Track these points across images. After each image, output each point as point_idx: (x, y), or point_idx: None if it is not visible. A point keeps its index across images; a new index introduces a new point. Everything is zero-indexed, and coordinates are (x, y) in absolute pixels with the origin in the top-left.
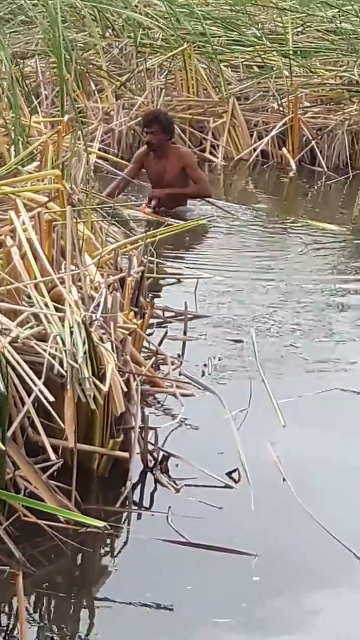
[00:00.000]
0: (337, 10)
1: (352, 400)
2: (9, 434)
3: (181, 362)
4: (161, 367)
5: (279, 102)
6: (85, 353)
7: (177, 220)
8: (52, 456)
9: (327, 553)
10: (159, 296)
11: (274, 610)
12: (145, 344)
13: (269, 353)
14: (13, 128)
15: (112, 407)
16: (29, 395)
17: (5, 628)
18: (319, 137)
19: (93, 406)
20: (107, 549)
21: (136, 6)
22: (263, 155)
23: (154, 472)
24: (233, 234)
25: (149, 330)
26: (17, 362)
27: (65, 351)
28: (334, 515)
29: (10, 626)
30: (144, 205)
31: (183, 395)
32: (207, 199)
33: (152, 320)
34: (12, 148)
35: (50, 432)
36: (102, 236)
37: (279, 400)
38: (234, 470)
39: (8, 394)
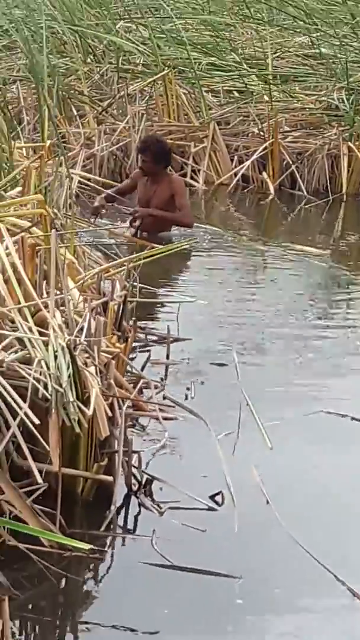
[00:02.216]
0: (317, 34)
1: (336, 422)
2: None
3: (164, 386)
4: (144, 390)
5: (259, 127)
6: (69, 377)
7: (158, 245)
8: (39, 480)
9: (310, 576)
10: (141, 320)
11: (258, 633)
12: (128, 368)
13: (252, 375)
14: None
15: (97, 430)
16: (14, 419)
17: None
18: (299, 161)
19: (77, 430)
20: (91, 573)
21: (117, 31)
22: (244, 180)
23: (138, 495)
24: (215, 257)
25: (132, 355)
26: (2, 386)
27: (49, 375)
28: (317, 538)
29: None
30: (128, 225)
31: (166, 419)
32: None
33: (135, 344)
34: None
35: (34, 455)
36: (85, 260)
37: (264, 422)
38: (218, 493)
39: None
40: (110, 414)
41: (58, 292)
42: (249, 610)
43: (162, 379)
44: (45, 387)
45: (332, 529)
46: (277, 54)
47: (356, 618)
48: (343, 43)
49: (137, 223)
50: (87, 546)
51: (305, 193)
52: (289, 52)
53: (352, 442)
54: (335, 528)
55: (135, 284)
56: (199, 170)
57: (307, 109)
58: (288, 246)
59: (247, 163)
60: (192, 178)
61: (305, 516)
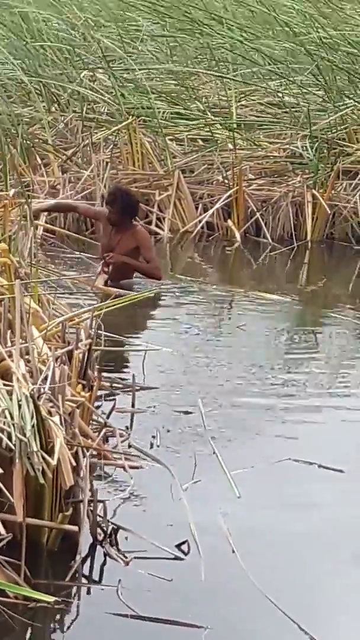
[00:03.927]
0: (281, 80)
1: (304, 470)
2: None
3: (129, 435)
4: (110, 439)
5: (224, 175)
6: (33, 426)
7: (126, 292)
8: (2, 531)
9: (275, 626)
10: (107, 368)
11: None
12: (94, 416)
13: (218, 424)
14: None
15: (61, 480)
16: None
17: None
18: (264, 209)
19: (42, 480)
20: (57, 624)
21: (81, 80)
22: (209, 227)
23: (103, 545)
24: (181, 305)
25: (97, 403)
26: None
27: (13, 425)
28: (282, 588)
29: None
30: (99, 270)
31: (132, 467)
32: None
33: (100, 393)
34: None
35: None
36: (49, 309)
37: (230, 470)
38: (184, 542)
39: None
40: (74, 463)
41: (22, 341)
42: None
43: (127, 428)
44: (9, 437)
45: (297, 578)
46: (241, 102)
47: None
48: (305, 91)
49: (109, 269)
50: (51, 599)
51: (270, 240)
52: (253, 100)
53: (320, 490)
54: (300, 578)
55: (100, 332)
56: (163, 218)
57: (271, 157)
58: (252, 293)
59: (212, 211)
60: (157, 226)
61: (271, 566)
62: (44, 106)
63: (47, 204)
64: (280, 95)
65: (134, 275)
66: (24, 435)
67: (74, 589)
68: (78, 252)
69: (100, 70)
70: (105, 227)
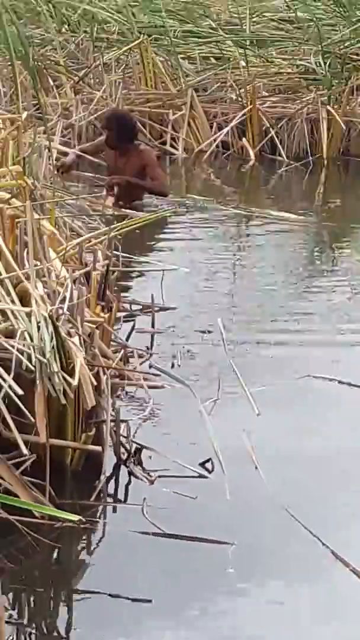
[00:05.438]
0: None
1: (323, 387)
2: None
3: (150, 355)
4: (130, 360)
5: (237, 93)
6: (53, 348)
7: (138, 213)
8: (25, 451)
9: (297, 541)
10: (125, 289)
11: (248, 600)
12: (113, 337)
13: (238, 342)
14: None
15: (83, 401)
16: None
17: None
18: (278, 127)
19: (63, 401)
20: (83, 542)
21: (91, 0)
22: (223, 146)
23: (127, 464)
24: (196, 225)
25: (117, 325)
26: None
27: (33, 346)
28: (304, 504)
29: None
30: (104, 194)
31: (153, 387)
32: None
33: (119, 314)
34: None
35: (21, 428)
36: (66, 231)
37: (250, 389)
38: (207, 460)
39: None
40: (95, 383)
41: (39, 263)
42: (240, 577)
43: (147, 348)
44: (29, 359)
45: (318, 493)
46: (253, 19)
47: (341, 584)
48: (318, 5)
49: (115, 190)
50: (76, 518)
51: (285, 158)
52: (265, 16)
53: (339, 406)
54: (321, 493)
55: (117, 253)
56: (178, 138)
57: (285, 74)
58: (269, 212)
59: (227, 129)
60: (171, 146)
61: (292, 481)
62: (54, 27)
63: (70, 158)
64: (292, 11)
65: (144, 196)
66: (44, 356)
67: (99, 509)
68: (91, 175)
69: None
70: (109, 151)
